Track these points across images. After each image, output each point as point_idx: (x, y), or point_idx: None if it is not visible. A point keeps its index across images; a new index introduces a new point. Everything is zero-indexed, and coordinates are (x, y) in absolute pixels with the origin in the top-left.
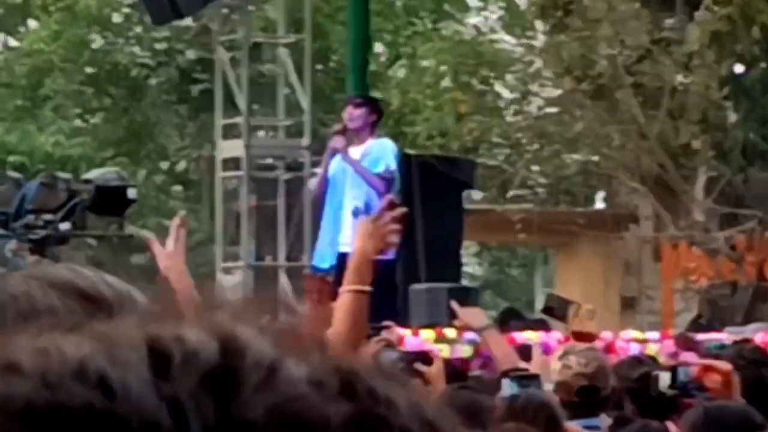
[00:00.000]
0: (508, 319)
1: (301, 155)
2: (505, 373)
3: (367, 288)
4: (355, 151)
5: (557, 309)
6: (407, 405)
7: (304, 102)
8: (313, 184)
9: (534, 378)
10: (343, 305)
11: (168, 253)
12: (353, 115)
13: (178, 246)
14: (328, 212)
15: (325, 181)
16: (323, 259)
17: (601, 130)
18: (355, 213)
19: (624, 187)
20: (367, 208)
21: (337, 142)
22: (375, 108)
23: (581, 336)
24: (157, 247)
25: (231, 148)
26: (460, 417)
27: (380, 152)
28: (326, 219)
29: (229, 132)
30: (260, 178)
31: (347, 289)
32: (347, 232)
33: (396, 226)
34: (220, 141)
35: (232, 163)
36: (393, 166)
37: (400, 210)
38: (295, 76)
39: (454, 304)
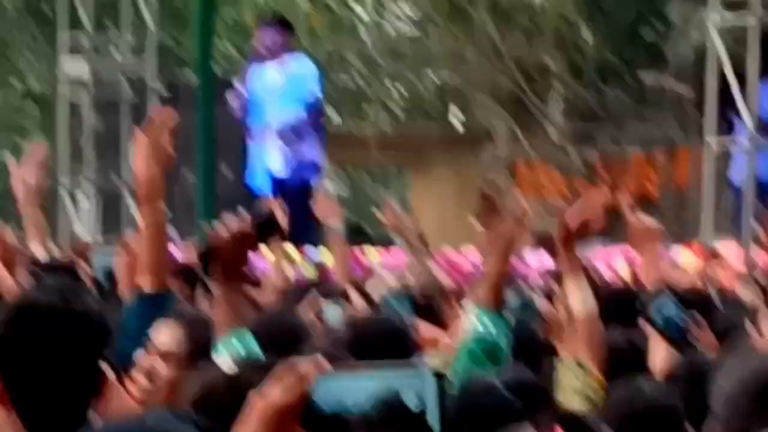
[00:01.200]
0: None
1: (146, 74)
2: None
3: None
4: (273, 72)
5: None
6: None
7: (149, 19)
8: (235, 103)
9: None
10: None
11: (20, 171)
12: (267, 36)
13: (29, 165)
14: (255, 132)
15: (246, 102)
16: (256, 178)
17: (455, 47)
18: (281, 134)
19: (479, 106)
20: (294, 131)
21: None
22: (287, 24)
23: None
24: (12, 166)
25: (75, 67)
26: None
27: (303, 77)
28: (254, 141)
29: (77, 50)
30: (106, 97)
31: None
32: (275, 155)
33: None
34: (64, 57)
35: (77, 82)
36: (318, 92)
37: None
38: None
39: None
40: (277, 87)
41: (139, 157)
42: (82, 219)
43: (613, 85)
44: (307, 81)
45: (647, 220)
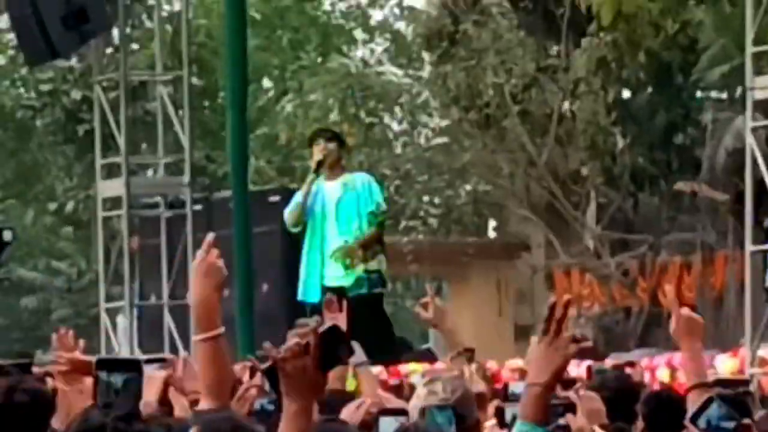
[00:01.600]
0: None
1: (182, 192)
2: (381, 413)
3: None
4: (332, 185)
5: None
6: None
7: (184, 139)
8: (287, 212)
9: (403, 413)
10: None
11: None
12: (328, 149)
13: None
14: (311, 246)
15: (303, 211)
16: (310, 293)
17: (489, 159)
18: (344, 250)
19: (514, 216)
20: (358, 244)
21: None
22: (342, 140)
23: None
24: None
25: (111, 188)
26: None
27: (370, 189)
28: (310, 252)
29: (112, 171)
30: (142, 216)
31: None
32: (334, 268)
33: None
34: (100, 181)
35: (113, 203)
36: (383, 205)
37: None
38: (175, 113)
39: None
40: (338, 201)
41: (194, 280)
42: (121, 338)
43: (647, 191)
44: (372, 194)
45: (692, 313)
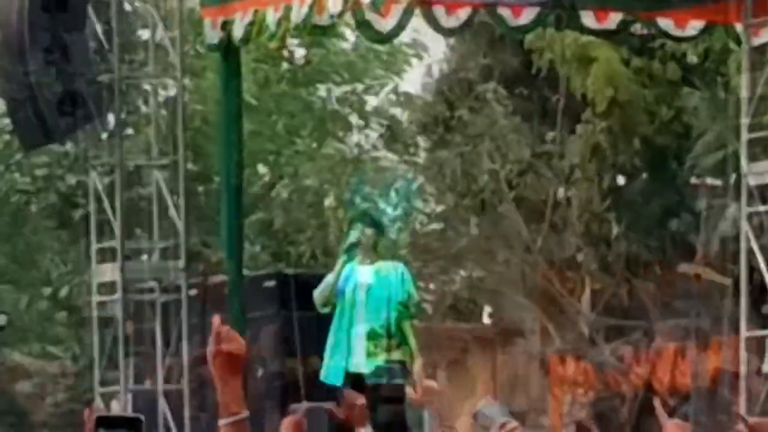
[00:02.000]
0: None
1: (177, 277)
2: None
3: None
4: (365, 270)
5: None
6: None
7: (180, 224)
8: (317, 292)
9: None
10: None
11: None
12: (366, 233)
13: None
14: (339, 327)
15: (334, 293)
16: (333, 376)
17: (485, 245)
18: (370, 337)
19: (510, 302)
20: (386, 332)
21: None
22: (381, 228)
23: None
24: None
25: (106, 272)
26: None
27: (402, 279)
28: (336, 335)
29: (106, 256)
30: (137, 301)
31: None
32: (359, 354)
33: None
34: (95, 266)
35: (108, 288)
36: (415, 295)
37: None
38: (170, 198)
39: None
40: (369, 287)
41: (213, 370)
42: None
43: (641, 277)
44: (404, 284)
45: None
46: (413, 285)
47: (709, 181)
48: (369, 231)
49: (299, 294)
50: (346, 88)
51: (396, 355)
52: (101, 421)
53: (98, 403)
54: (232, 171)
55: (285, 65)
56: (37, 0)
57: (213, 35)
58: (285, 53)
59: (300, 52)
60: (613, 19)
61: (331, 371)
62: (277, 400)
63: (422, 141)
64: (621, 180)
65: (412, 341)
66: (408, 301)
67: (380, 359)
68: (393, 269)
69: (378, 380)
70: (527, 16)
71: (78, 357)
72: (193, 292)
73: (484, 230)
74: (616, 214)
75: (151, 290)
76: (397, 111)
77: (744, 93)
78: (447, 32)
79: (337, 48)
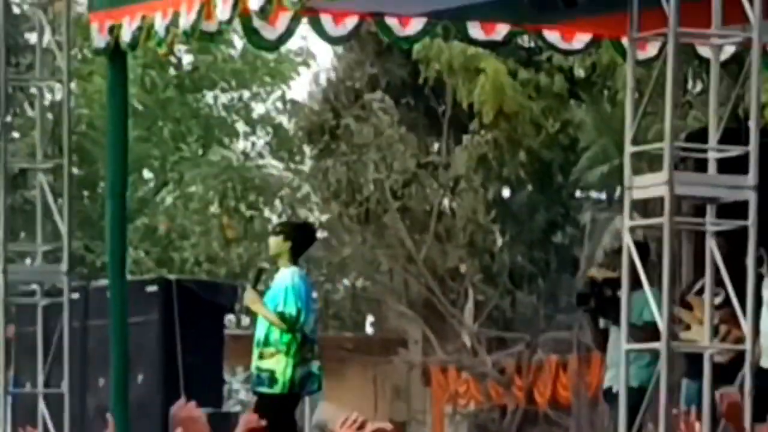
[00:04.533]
0: None
1: (59, 281)
2: None
3: None
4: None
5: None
6: None
7: (63, 228)
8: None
9: None
10: None
11: None
12: (270, 243)
13: None
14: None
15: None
16: None
17: (369, 254)
18: (257, 344)
19: (392, 312)
20: (266, 340)
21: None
22: (288, 234)
23: None
24: None
25: None
26: None
27: (278, 288)
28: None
29: None
30: (18, 304)
31: None
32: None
33: None
34: None
35: None
36: (284, 307)
37: None
38: (55, 201)
39: None
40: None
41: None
42: None
43: (525, 290)
44: (281, 294)
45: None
46: (289, 295)
47: (594, 194)
48: (272, 240)
49: (181, 299)
50: (233, 94)
51: (265, 363)
52: None
53: None
54: (117, 175)
55: (172, 71)
56: None
57: (100, 40)
58: (172, 59)
59: (187, 59)
60: (500, 31)
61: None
62: (159, 406)
63: (308, 149)
64: (506, 192)
65: (289, 351)
66: (287, 310)
67: (253, 366)
68: (282, 277)
69: (253, 387)
70: (414, 26)
71: None
72: (76, 295)
73: (368, 240)
74: (500, 225)
75: (32, 293)
76: (283, 119)
77: (629, 105)
78: (334, 41)
79: (224, 55)
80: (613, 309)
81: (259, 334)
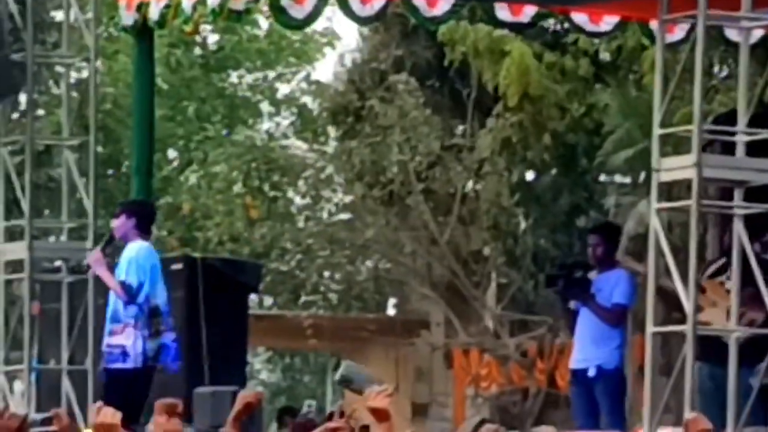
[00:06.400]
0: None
1: (84, 258)
2: None
3: None
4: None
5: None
6: None
7: (89, 205)
8: None
9: None
10: None
11: None
12: (115, 225)
13: None
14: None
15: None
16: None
17: (392, 236)
18: (108, 322)
19: (415, 294)
20: (115, 316)
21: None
22: (131, 212)
23: (377, 412)
24: None
25: (14, 251)
26: None
27: (123, 260)
28: None
29: (14, 235)
30: (43, 280)
31: None
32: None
33: None
34: (3, 244)
35: (15, 266)
36: (126, 277)
37: None
38: (80, 179)
39: None
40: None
41: None
42: (18, 402)
43: (547, 272)
44: (125, 265)
45: None
46: (131, 264)
47: (618, 178)
48: (116, 222)
49: (206, 278)
50: (258, 74)
51: (116, 340)
52: None
53: (1, 382)
54: (142, 154)
55: (198, 50)
56: None
57: (128, 17)
58: (198, 39)
59: (213, 38)
60: (527, 13)
61: None
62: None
63: (332, 130)
64: (530, 175)
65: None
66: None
67: (104, 345)
68: (128, 250)
69: (105, 365)
70: (442, 7)
71: None
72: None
73: (392, 221)
74: (524, 208)
75: (57, 270)
76: (308, 99)
77: (658, 88)
78: (361, 21)
79: (249, 35)
80: (582, 290)
81: (109, 312)
